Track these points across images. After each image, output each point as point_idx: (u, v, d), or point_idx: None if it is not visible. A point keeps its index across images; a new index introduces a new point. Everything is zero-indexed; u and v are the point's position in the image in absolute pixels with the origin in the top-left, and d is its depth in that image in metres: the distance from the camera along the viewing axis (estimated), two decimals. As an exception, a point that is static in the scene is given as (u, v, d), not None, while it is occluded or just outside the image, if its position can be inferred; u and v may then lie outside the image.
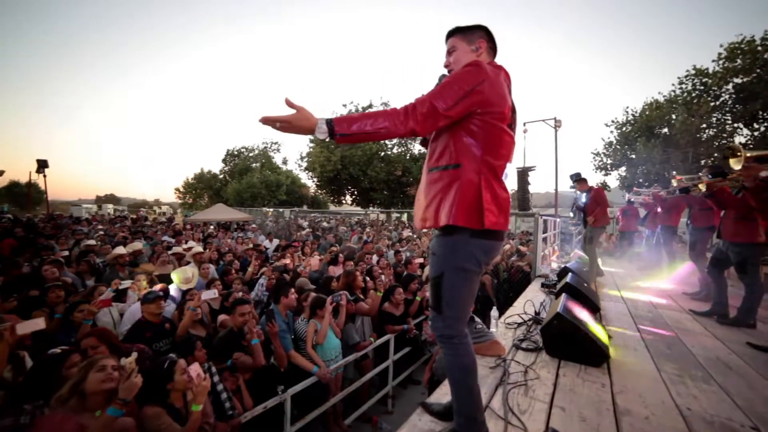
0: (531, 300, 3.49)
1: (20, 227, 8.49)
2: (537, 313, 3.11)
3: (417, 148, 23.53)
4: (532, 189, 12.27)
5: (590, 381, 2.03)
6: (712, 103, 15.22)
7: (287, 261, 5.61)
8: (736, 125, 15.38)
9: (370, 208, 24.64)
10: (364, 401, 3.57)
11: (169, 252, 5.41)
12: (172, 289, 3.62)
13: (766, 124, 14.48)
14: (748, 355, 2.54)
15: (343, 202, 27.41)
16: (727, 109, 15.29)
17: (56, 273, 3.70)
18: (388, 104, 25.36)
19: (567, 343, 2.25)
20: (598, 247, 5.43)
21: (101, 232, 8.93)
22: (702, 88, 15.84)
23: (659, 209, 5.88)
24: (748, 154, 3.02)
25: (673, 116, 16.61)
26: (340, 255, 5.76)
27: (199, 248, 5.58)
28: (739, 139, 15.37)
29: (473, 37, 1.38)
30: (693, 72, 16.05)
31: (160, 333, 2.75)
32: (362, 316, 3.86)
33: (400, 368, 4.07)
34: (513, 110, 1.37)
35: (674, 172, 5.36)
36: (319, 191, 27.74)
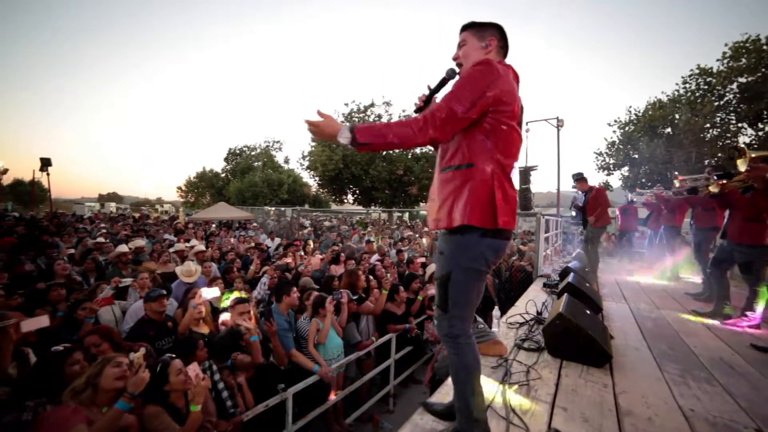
0: (533, 300, 3.48)
1: (23, 225, 8.53)
2: (539, 313, 3.10)
3: (418, 148, 23.51)
4: (534, 189, 12.24)
5: (592, 381, 2.02)
6: (716, 103, 15.11)
7: (289, 260, 5.62)
8: (740, 125, 15.27)
9: (372, 208, 24.65)
10: (365, 400, 3.57)
11: (171, 249, 5.43)
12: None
13: (771, 124, 14.37)
14: (751, 356, 2.52)
15: (345, 201, 27.42)
16: (732, 108, 15.18)
17: (68, 269, 3.76)
18: (390, 103, 25.33)
19: (569, 343, 2.25)
20: (598, 247, 5.42)
21: (104, 230, 8.97)
22: (706, 87, 15.73)
23: (663, 209, 5.85)
24: (753, 155, 3.02)
25: (677, 116, 16.51)
26: (342, 254, 5.77)
27: (201, 247, 5.60)
28: (743, 139, 15.27)
29: (485, 33, 1.37)
30: (697, 71, 15.95)
31: (163, 331, 2.76)
32: (367, 315, 3.87)
33: (401, 367, 4.08)
34: (521, 109, 1.38)
35: (676, 173, 5.32)
36: (321, 190, 27.76)
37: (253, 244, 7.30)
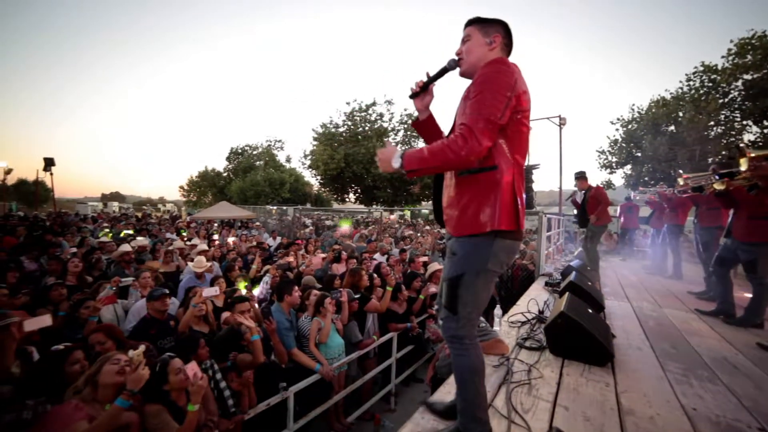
0: (535, 298, 3.47)
1: (25, 225, 8.57)
2: (541, 312, 3.09)
3: (420, 146, 23.45)
4: (536, 187, 12.20)
5: (594, 380, 2.02)
6: (721, 100, 14.99)
7: (291, 259, 5.63)
8: (745, 122, 15.15)
9: (374, 206, 24.65)
10: (366, 399, 3.58)
11: (170, 247, 5.45)
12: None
13: (775, 122, 14.24)
14: (755, 355, 2.50)
15: (347, 200, 27.45)
16: (736, 106, 15.05)
17: (80, 267, 3.78)
18: (391, 102, 25.29)
19: (571, 342, 2.24)
20: (599, 245, 5.42)
21: (106, 230, 9.02)
22: (710, 84, 15.61)
23: (666, 208, 5.82)
24: (753, 154, 3.03)
25: (680, 113, 16.40)
26: (343, 253, 5.77)
27: (203, 246, 5.62)
28: (748, 137, 15.14)
29: (490, 30, 1.34)
30: (701, 69, 15.82)
31: (165, 330, 2.77)
32: (373, 313, 3.87)
33: (402, 366, 4.08)
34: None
35: (680, 171, 5.28)
36: (323, 189, 27.79)
37: (254, 243, 7.31)
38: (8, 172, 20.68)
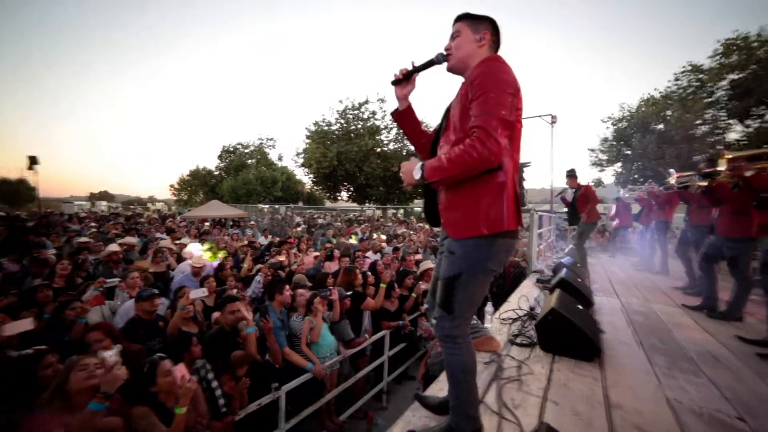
0: (526, 295, 3.51)
1: (5, 224, 8.27)
2: (532, 309, 3.12)
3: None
4: (527, 185, 12.29)
5: (583, 375, 2.05)
6: (707, 100, 15.31)
7: (282, 258, 5.58)
8: (730, 121, 15.51)
9: (366, 205, 24.61)
10: (358, 397, 3.58)
11: (158, 245, 5.35)
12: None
13: (759, 121, 14.60)
14: (736, 348, 2.57)
15: (339, 198, 27.34)
16: (722, 105, 15.40)
17: (68, 270, 3.67)
18: (384, 100, 25.21)
19: (561, 338, 2.27)
20: (587, 242, 5.55)
21: (94, 230, 8.82)
22: (697, 84, 15.93)
23: (654, 205, 5.93)
24: (730, 156, 3.29)
25: (668, 112, 16.70)
26: (336, 251, 5.74)
27: (195, 244, 5.53)
28: (732, 136, 15.50)
29: (479, 26, 1.34)
30: (689, 68, 16.12)
31: (154, 331, 2.72)
32: (368, 311, 3.87)
33: (395, 364, 4.09)
34: None
35: (671, 170, 5.41)
36: (315, 187, 27.62)
37: (246, 242, 7.23)
38: (-10, 170, 20.01)
